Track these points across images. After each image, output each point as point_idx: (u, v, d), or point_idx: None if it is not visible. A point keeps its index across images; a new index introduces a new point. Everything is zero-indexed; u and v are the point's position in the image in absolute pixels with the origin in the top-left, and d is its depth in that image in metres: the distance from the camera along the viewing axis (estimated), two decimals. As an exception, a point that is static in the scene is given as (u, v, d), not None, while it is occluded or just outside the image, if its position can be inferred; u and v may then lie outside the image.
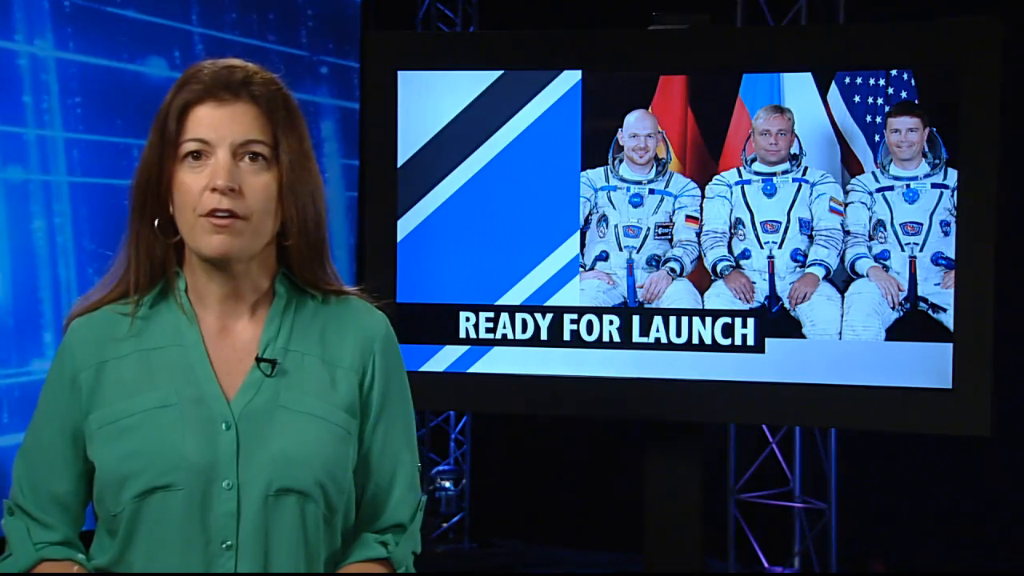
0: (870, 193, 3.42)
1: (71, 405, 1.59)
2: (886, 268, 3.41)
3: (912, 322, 3.40)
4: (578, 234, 3.57)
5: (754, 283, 3.49)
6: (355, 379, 1.63)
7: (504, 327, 3.59)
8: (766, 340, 3.48)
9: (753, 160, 3.49)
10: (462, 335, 3.61)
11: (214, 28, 4.75)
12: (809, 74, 3.46)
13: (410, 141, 3.62)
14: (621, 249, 3.55)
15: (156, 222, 1.57)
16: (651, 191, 3.55)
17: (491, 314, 3.60)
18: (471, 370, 3.61)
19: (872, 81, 3.42)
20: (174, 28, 4.61)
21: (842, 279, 3.44)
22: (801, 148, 3.47)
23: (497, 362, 3.60)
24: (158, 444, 1.53)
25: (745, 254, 3.49)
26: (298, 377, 1.59)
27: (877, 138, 3.42)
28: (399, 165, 3.62)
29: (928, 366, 3.37)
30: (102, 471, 1.55)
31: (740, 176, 3.50)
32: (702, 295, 3.52)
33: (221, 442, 1.54)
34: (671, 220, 3.54)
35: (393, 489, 1.67)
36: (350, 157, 5.43)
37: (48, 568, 1.59)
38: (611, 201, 3.55)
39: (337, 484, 1.59)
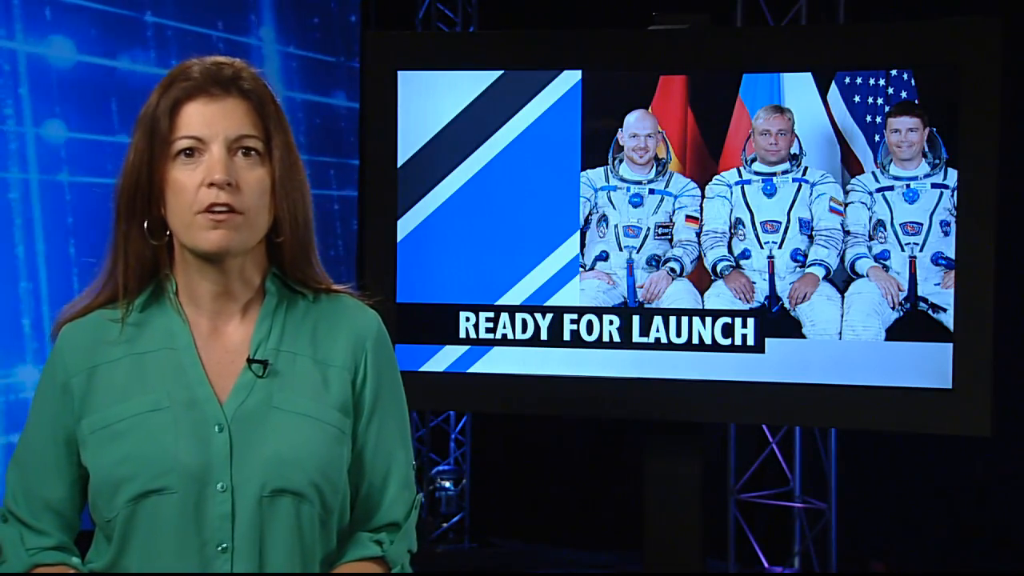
0: (870, 193, 3.42)
1: (63, 411, 1.59)
2: (886, 268, 3.41)
3: (912, 322, 3.40)
4: (578, 234, 3.57)
5: (754, 283, 3.49)
6: (347, 378, 1.62)
7: (504, 327, 3.59)
8: (766, 340, 3.48)
9: (753, 160, 3.48)
10: (462, 335, 3.61)
11: (195, 24, 4.72)
12: (809, 74, 3.46)
13: (410, 141, 3.62)
14: (621, 249, 3.55)
15: (146, 224, 1.56)
16: (651, 191, 3.54)
17: (491, 314, 3.60)
18: (471, 370, 3.61)
19: (872, 81, 3.42)
20: (153, 24, 4.57)
21: (842, 279, 3.44)
22: (801, 148, 3.47)
23: (497, 362, 3.60)
24: (151, 448, 1.53)
25: (745, 254, 3.49)
26: (290, 378, 1.59)
27: (877, 138, 3.42)
28: (399, 165, 3.62)
29: (928, 366, 3.37)
30: (95, 476, 1.55)
31: (740, 176, 3.50)
32: (702, 295, 3.52)
33: (214, 444, 1.54)
34: (671, 220, 3.54)
35: (387, 487, 1.66)
36: (311, 153, 5.40)
37: (42, 571, 1.59)
38: (611, 201, 3.55)
39: (332, 484, 1.59)
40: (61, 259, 4.24)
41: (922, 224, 3.39)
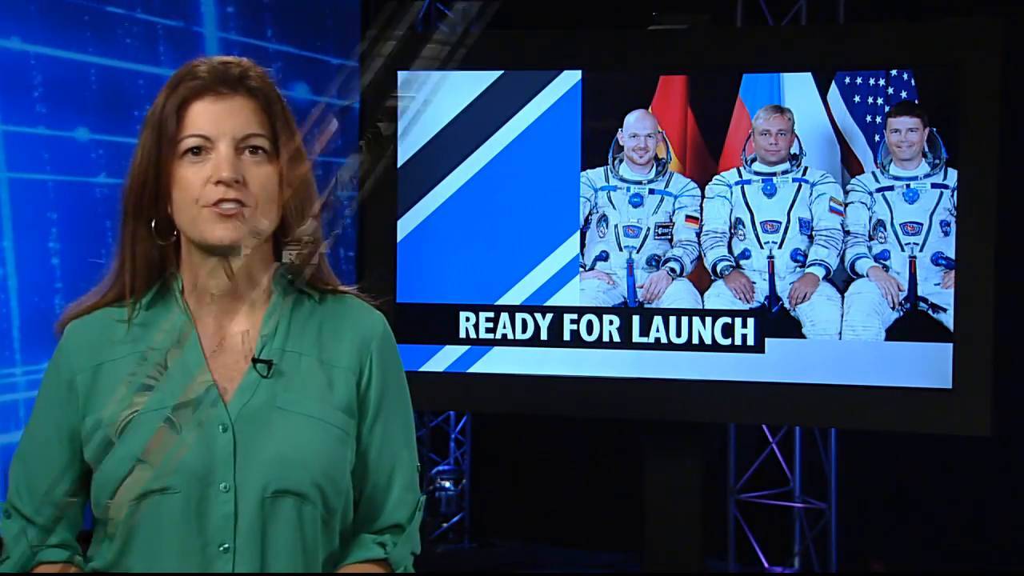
0: (870, 193, 3.42)
1: (67, 408, 1.59)
2: (886, 268, 3.41)
3: (912, 322, 3.40)
4: (578, 234, 3.57)
5: (754, 283, 3.49)
6: (352, 379, 1.62)
7: (504, 327, 3.59)
8: (766, 340, 3.48)
9: (753, 160, 3.49)
10: (462, 335, 3.61)
11: (186, 21, 4.69)
12: (809, 74, 3.46)
13: (410, 141, 3.62)
14: (621, 249, 3.55)
15: (153, 223, 1.56)
16: (651, 191, 3.55)
17: (491, 314, 3.60)
18: (471, 370, 3.61)
19: (872, 81, 3.42)
20: (136, 19, 4.53)
21: (842, 279, 3.44)
22: (801, 148, 3.47)
23: (497, 362, 3.60)
24: (154, 447, 1.53)
25: (745, 254, 3.49)
26: (295, 378, 1.59)
27: (877, 138, 3.42)
28: (399, 165, 3.62)
29: (928, 366, 3.37)
30: (98, 475, 1.55)
31: (740, 176, 3.50)
32: (702, 295, 3.52)
33: (218, 444, 1.53)
34: (671, 220, 3.54)
35: (391, 489, 1.66)
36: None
37: (45, 570, 1.59)
38: (611, 201, 3.55)
39: (335, 486, 1.58)
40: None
41: (922, 224, 3.39)
